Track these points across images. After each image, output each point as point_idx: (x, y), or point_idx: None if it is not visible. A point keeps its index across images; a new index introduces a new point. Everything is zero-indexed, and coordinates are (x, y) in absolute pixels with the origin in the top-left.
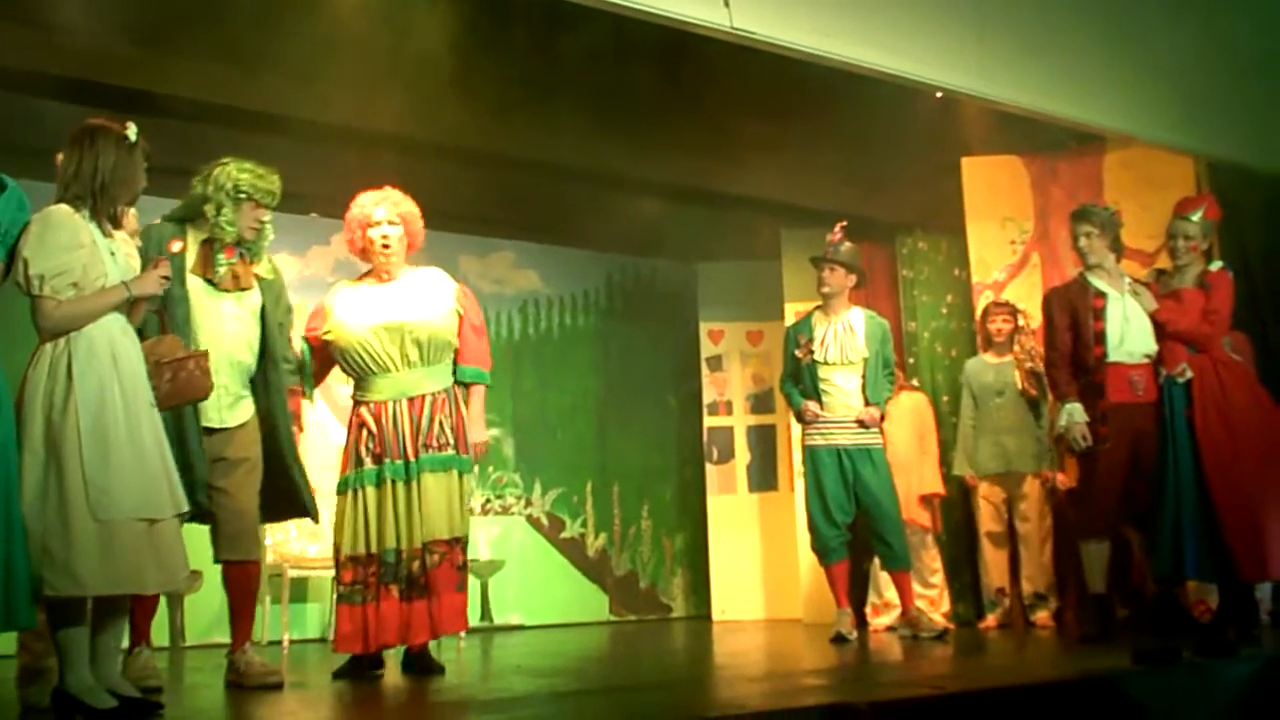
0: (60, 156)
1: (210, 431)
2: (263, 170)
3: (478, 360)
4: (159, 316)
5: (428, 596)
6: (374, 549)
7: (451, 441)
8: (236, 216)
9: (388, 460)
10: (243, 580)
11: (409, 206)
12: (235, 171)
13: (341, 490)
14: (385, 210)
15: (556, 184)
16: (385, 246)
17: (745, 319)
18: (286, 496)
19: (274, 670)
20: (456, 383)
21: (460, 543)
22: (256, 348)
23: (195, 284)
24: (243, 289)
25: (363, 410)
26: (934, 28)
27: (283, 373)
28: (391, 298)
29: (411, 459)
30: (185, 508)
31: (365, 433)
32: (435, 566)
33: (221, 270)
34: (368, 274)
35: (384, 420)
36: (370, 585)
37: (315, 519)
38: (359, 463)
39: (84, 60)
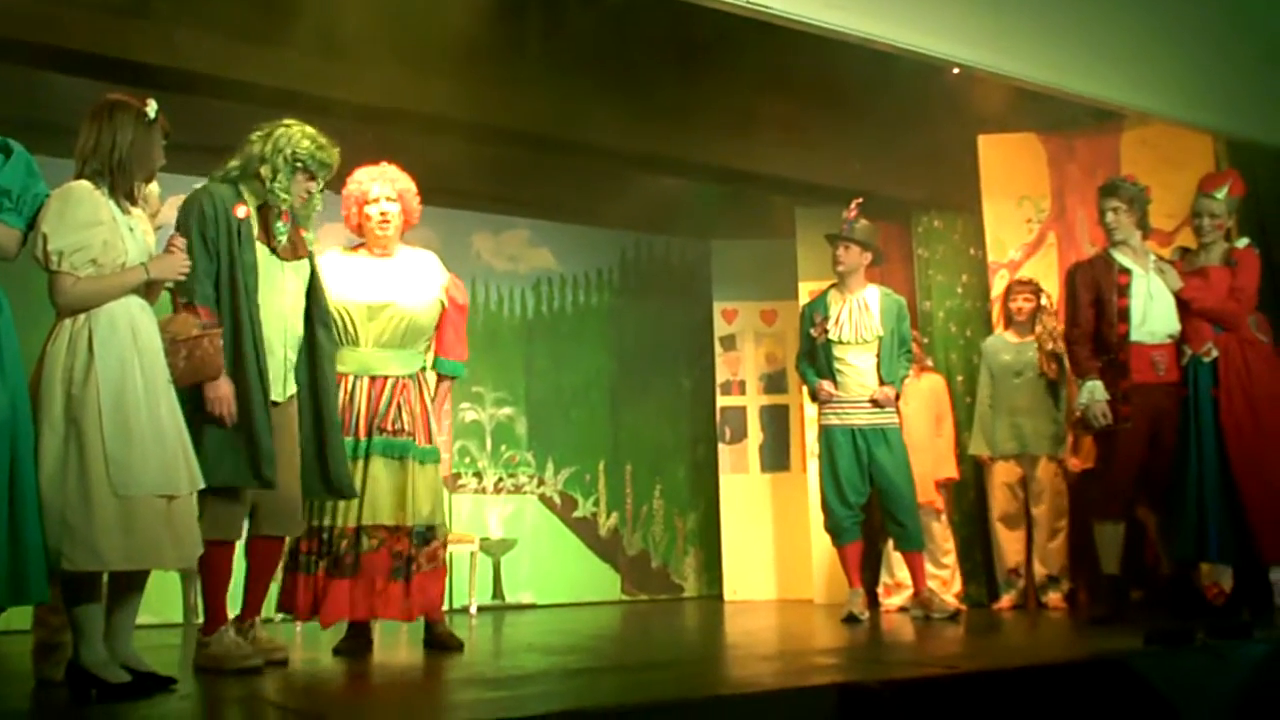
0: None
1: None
2: (324, 141)
3: (457, 354)
4: (173, 295)
5: (361, 578)
6: (314, 521)
7: (408, 429)
8: (290, 184)
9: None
10: (273, 555)
11: (406, 183)
12: (298, 137)
13: None
14: (383, 187)
15: (571, 161)
16: (384, 223)
17: (759, 298)
18: (329, 474)
19: (280, 647)
20: (438, 375)
21: (401, 531)
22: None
23: (259, 251)
24: (299, 258)
25: None
26: (949, 1)
27: (332, 339)
28: (382, 275)
29: (362, 438)
30: (201, 484)
31: None
32: (371, 551)
33: (282, 239)
34: (361, 246)
35: (342, 394)
36: (311, 556)
37: (354, 496)
38: None
39: (99, 34)
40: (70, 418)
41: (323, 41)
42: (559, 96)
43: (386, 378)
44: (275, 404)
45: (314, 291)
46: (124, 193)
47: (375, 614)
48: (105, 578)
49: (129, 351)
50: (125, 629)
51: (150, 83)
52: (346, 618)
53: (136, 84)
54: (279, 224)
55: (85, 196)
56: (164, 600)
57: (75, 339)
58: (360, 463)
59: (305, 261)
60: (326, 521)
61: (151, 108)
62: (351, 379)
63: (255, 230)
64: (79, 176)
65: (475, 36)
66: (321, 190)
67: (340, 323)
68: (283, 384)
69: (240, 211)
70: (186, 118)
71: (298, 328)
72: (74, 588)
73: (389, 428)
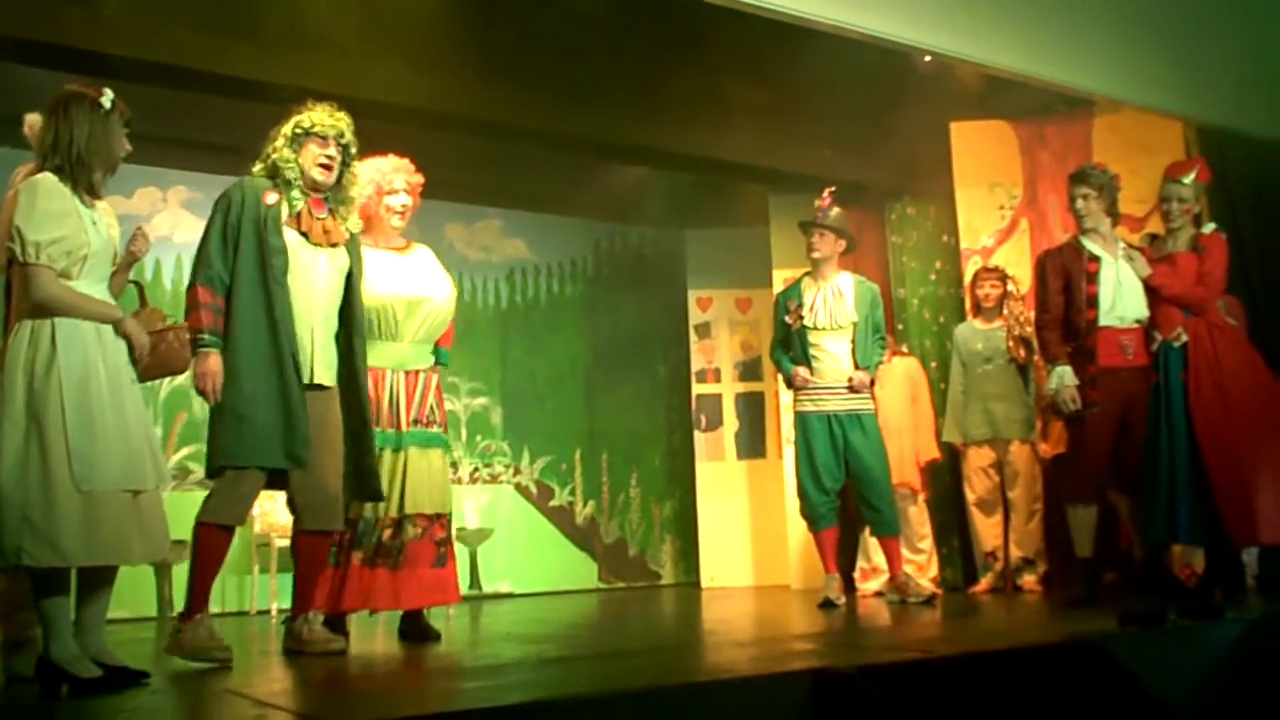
0: (33, 120)
1: (308, 387)
2: (328, 107)
3: (447, 344)
4: (139, 289)
5: (405, 568)
6: (349, 514)
7: (439, 420)
8: (298, 154)
9: (377, 429)
10: (319, 550)
11: (418, 179)
12: (297, 114)
13: None
14: (405, 179)
15: (543, 151)
16: (403, 214)
17: (733, 286)
18: (363, 475)
19: (336, 638)
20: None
21: (442, 519)
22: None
23: (291, 237)
24: (334, 244)
25: None
26: None
27: (365, 341)
28: (411, 270)
29: (402, 430)
30: (168, 480)
31: None
32: (415, 540)
33: (316, 224)
34: (370, 238)
35: (381, 387)
36: (341, 548)
37: (381, 499)
38: None
39: (54, 22)
40: (31, 412)
41: (290, 32)
42: (529, 86)
43: (418, 371)
44: (310, 387)
45: (350, 284)
46: (85, 186)
47: (418, 603)
48: (74, 572)
49: (93, 346)
50: (95, 623)
51: (107, 72)
52: (393, 607)
53: (100, 74)
54: (307, 208)
55: (54, 188)
56: (137, 594)
57: (37, 333)
58: (400, 454)
59: (340, 251)
60: (365, 513)
61: (107, 97)
62: (389, 373)
63: (285, 216)
64: (40, 170)
65: (446, 26)
66: (353, 166)
67: (382, 317)
68: (310, 366)
69: (269, 199)
70: (157, 109)
71: (333, 315)
72: (41, 582)
73: (424, 419)
